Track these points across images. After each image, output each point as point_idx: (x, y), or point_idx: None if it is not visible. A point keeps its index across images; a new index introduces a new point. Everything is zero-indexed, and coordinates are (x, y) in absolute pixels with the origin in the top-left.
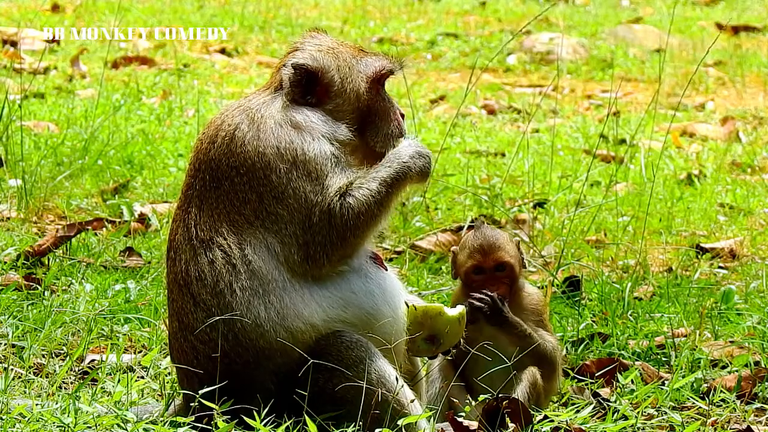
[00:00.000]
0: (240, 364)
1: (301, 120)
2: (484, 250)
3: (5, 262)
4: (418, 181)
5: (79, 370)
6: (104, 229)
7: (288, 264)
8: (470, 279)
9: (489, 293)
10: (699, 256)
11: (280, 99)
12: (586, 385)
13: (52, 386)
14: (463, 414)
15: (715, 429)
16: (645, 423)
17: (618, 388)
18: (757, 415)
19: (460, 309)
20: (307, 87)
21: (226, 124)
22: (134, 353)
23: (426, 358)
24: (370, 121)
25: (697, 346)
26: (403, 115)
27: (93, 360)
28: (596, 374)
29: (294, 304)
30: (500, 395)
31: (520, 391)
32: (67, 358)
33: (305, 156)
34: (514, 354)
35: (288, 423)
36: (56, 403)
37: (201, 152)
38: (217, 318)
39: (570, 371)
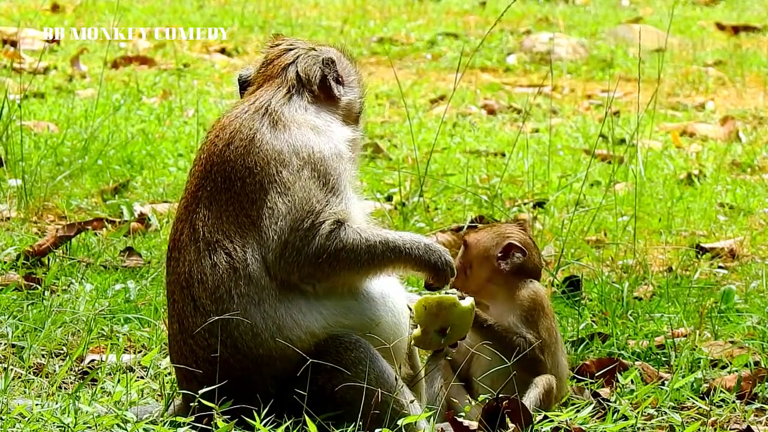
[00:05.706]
0: (239, 370)
1: (321, 124)
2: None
3: (5, 262)
4: (422, 271)
5: (78, 370)
6: (104, 229)
7: (266, 263)
8: None
9: None
10: (699, 256)
11: (298, 99)
12: (586, 385)
13: (52, 386)
14: (463, 414)
15: (715, 429)
16: (645, 423)
17: (618, 388)
18: (757, 415)
19: (471, 300)
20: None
21: (245, 126)
22: (134, 353)
23: (424, 361)
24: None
25: (697, 346)
26: None
27: (93, 360)
28: (596, 374)
29: (290, 313)
30: (500, 395)
31: (533, 396)
32: (67, 358)
33: (322, 155)
34: (514, 354)
35: (288, 423)
36: (56, 403)
37: (214, 154)
38: (212, 319)
39: (570, 371)
